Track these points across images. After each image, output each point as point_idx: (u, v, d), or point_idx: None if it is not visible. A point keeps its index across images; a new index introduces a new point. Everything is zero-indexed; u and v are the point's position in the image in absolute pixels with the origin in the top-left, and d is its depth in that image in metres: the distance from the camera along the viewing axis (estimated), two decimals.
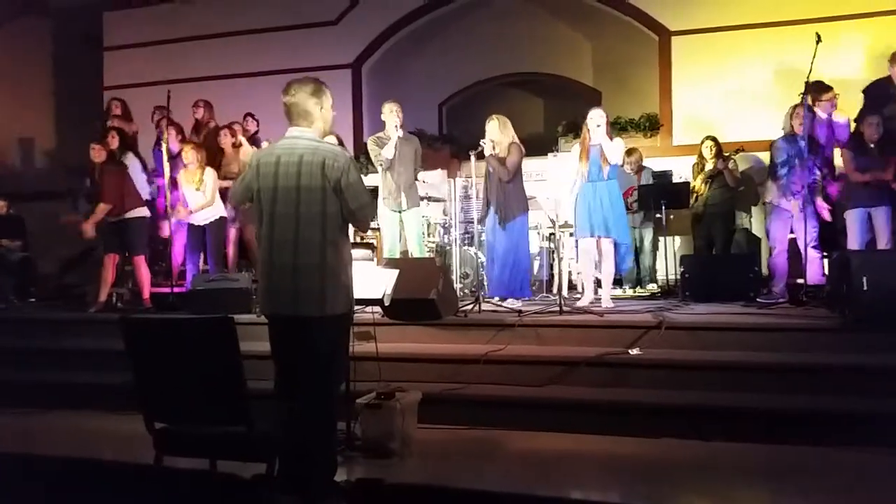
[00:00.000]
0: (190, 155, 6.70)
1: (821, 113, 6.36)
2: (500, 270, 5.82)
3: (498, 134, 5.81)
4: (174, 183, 6.80)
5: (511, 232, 5.80)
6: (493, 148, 5.82)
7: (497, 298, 5.90)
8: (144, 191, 7.12)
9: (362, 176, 6.49)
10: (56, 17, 10.44)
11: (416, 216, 6.35)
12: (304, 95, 3.17)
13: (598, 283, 5.90)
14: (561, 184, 6.09)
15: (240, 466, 2.98)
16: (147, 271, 6.57)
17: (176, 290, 6.42)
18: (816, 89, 6.24)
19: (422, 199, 6.53)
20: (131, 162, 7.02)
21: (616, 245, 5.68)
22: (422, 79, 9.26)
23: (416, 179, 6.41)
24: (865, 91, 6.43)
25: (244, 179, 3.28)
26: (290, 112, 3.19)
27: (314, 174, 3.08)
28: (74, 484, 1.44)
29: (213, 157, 7.18)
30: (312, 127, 3.19)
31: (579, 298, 6.41)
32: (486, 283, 6.23)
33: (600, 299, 5.74)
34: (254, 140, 7.80)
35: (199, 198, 6.67)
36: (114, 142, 6.78)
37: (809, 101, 5.97)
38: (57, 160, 9.87)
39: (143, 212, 6.57)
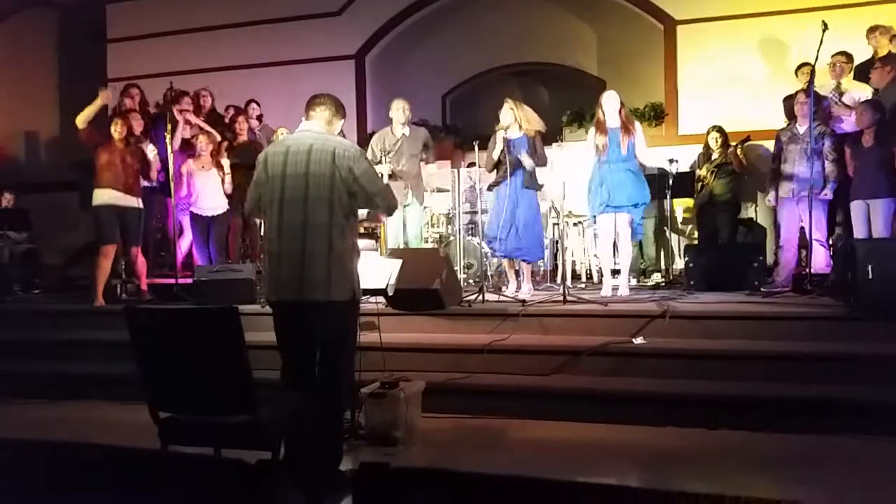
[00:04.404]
0: (204, 144, 6.72)
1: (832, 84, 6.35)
2: (522, 231, 5.82)
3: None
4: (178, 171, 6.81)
5: (534, 197, 5.90)
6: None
7: (506, 261, 6.02)
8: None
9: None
10: (59, 9, 10.42)
11: (418, 212, 6.34)
12: (331, 107, 3.32)
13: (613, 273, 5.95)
14: (565, 173, 6.08)
15: (244, 455, 2.98)
16: (144, 261, 6.57)
17: (180, 280, 6.43)
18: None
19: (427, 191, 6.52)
20: (149, 150, 7.01)
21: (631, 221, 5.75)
22: (425, 70, 9.23)
23: (428, 164, 6.38)
24: (857, 72, 6.46)
25: (254, 181, 3.32)
26: (310, 106, 3.31)
27: (324, 161, 3.13)
28: (78, 468, 1.45)
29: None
30: (326, 129, 3.30)
31: (584, 288, 6.42)
32: (495, 246, 6.20)
33: (618, 287, 5.76)
34: (259, 122, 7.85)
35: (219, 188, 6.75)
36: (137, 125, 6.75)
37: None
38: (61, 152, 9.88)
39: (141, 203, 6.51)
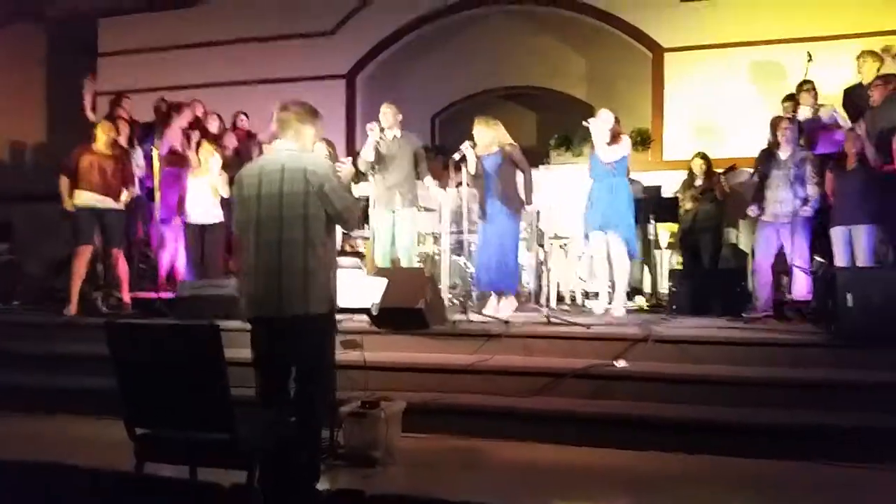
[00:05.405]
0: (208, 158, 6.69)
1: (805, 111, 6.46)
2: (493, 263, 5.85)
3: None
4: (168, 183, 6.80)
5: (507, 221, 5.92)
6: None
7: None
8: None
9: (353, 184, 6.54)
10: (50, 22, 10.42)
11: (409, 217, 6.28)
12: (300, 114, 3.32)
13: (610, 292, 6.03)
14: (552, 195, 6.15)
15: (221, 474, 2.96)
16: (126, 266, 6.51)
17: (162, 295, 6.38)
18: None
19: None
20: (134, 155, 6.99)
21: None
22: (415, 91, 9.28)
23: (419, 179, 6.38)
24: (846, 97, 6.58)
25: (234, 202, 3.39)
26: (280, 124, 3.34)
27: (296, 179, 3.19)
28: (47, 490, 1.43)
29: None
30: (297, 143, 3.32)
31: (568, 310, 6.45)
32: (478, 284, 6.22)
33: (611, 308, 5.81)
34: (250, 136, 7.85)
35: (212, 196, 6.66)
36: (124, 130, 6.75)
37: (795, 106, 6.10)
38: (47, 163, 9.83)
39: (122, 205, 6.47)
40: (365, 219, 6.60)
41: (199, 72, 9.35)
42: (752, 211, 6.23)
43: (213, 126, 7.79)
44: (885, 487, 3.47)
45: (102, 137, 6.33)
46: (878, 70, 6.48)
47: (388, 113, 6.29)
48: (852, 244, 5.71)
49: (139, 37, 9.72)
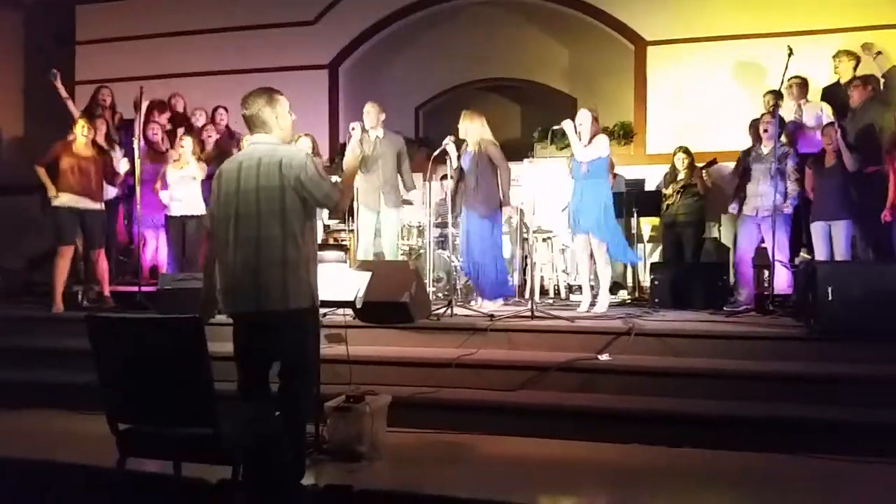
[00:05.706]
0: (189, 148, 6.64)
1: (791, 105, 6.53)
2: (477, 266, 5.96)
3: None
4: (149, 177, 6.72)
5: (484, 222, 5.99)
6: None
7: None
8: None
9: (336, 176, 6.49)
10: (27, 9, 10.21)
11: (393, 217, 6.30)
12: (258, 106, 3.28)
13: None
14: (535, 189, 6.13)
15: (205, 469, 2.94)
16: (106, 265, 6.46)
17: (144, 288, 6.31)
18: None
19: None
20: (116, 154, 6.89)
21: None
22: (399, 82, 9.24)
23: (407, 184, 6.38)
24: (824, 96, 6.63)
25: (212, 197, 3.35)
26: (248, 122, 3.33)
27: (272, 174, 3.17)
28: (28, 486, 1.41)
29: None
30: (271, 134, 3.30)
31: (552, 304, 6.47)
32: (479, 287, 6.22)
33: (595, 304, 5.82)
34: (231, 133, 7.77)
35: (196, 189, 6.59)
36: (102, 128, 6.70)
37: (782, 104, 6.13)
38: (25, 155, 9.65)
39: (103, 205, 6.45)
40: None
41: (180, 61, 9.24)
42: (731, 208, 6.30)
43: (199, 121, 7.72)
44: (872, 479, 3.52)
45: (81, 139, 6.28)
46: (855, 68, 6.56)
47: (371, 112, 6.24)
48: (832, 239, 5.81)
49: (118, 24, 9.56)
